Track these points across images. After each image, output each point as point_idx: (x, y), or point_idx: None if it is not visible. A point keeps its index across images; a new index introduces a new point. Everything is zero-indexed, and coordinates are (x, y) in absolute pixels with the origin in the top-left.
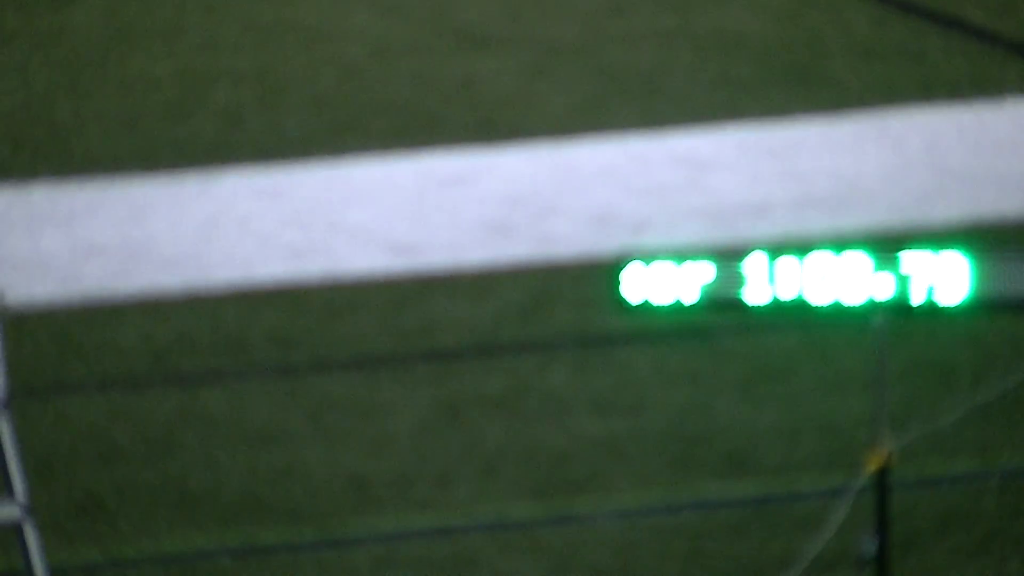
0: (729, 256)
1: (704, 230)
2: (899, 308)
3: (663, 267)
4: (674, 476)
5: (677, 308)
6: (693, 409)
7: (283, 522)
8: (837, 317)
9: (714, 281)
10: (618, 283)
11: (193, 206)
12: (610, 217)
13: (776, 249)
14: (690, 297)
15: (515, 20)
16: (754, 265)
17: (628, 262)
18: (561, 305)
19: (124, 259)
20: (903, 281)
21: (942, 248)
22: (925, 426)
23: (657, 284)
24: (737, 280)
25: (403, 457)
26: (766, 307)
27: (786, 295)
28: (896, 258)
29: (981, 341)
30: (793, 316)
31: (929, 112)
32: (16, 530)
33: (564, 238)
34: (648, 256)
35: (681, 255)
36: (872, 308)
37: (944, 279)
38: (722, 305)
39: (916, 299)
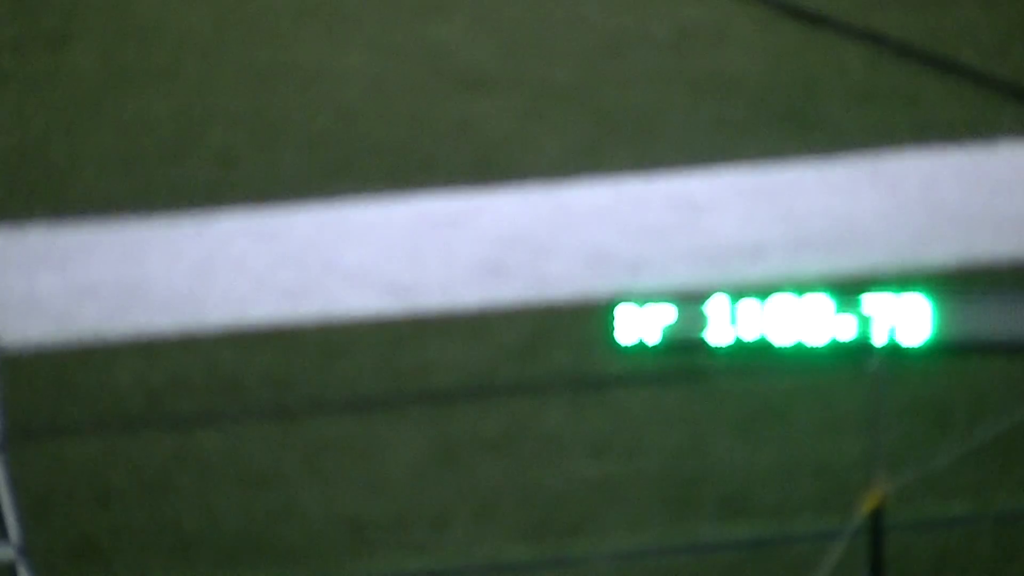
0: (691, 299)
1: (699, 271)
2: (861, 349)
3: (657, 308)
4: (670, 518)
5: (669, 348)
6: (689, 451)
7: (279, 564)
8: (828, 359)
9: (675, 323)
10: (613, 324)
11: (188, 247)
12: (605, 258)
13: (737, 292)
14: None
15: (511, 62)
16: (716, 307)
17: (623, 303)
18: (556, 346)
19: (119, 300)
20: (865, 322)
21: (905, 290)
22: (920, 468)
23: (651, 325)
24: (699, 322)
25: (399, 499)
26: (728, 348)
27: (748, 336)
28: (858, 300)
29: (976, 384)
30: (785, 358)
31: (924, 154)
32: (10, 571)
33: (559, 279)
34: (643, 298)
35: (680, 296)
36: (867, 351)
37: (906, 321)
38: (684, 346)
39: (878, 340)
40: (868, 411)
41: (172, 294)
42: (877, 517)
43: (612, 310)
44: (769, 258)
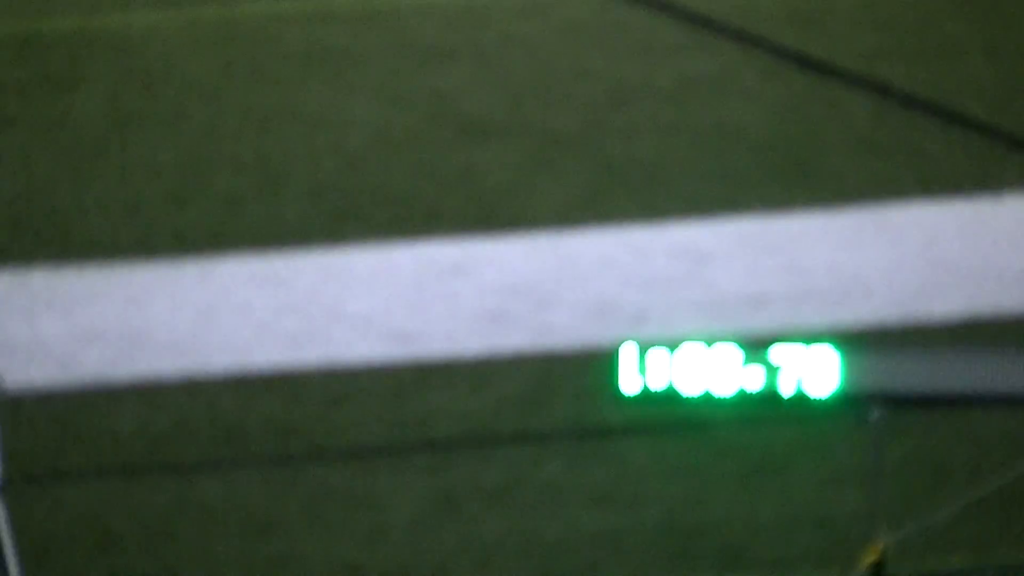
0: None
1: (703, 321)
2: (768, 398)
3: (659, 357)
4: (670, 570)
5: (673, 398)
6: (690, 502)
7: None
8: (815, 410)
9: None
10: (616, 375)
11: (192, 292)
12: (609, 308)
13: (647, 343)
14: (688, 388)
15: (514, 111)
16: (626, 357)
17: (625, 353)
18: (559, 396)
19: (122, 344)
20: (773, 373)
21: (812, 343)
22: (921, 522)
23: (653, 375)
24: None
25: (399, 548)
26: (637, 397)
27: (657, 386)
28: (765, 351)
29: (976, 437)
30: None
31: (928, 206)
32: None
33: (562, 329)
34: (645, 346)
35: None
36: (866, 403)
37: (813, 372)
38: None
39: (785, 391)
40: (868, 464)
41: (175, 339)
42: (878, 570)
43: (615, 359)
44: (772, 309)
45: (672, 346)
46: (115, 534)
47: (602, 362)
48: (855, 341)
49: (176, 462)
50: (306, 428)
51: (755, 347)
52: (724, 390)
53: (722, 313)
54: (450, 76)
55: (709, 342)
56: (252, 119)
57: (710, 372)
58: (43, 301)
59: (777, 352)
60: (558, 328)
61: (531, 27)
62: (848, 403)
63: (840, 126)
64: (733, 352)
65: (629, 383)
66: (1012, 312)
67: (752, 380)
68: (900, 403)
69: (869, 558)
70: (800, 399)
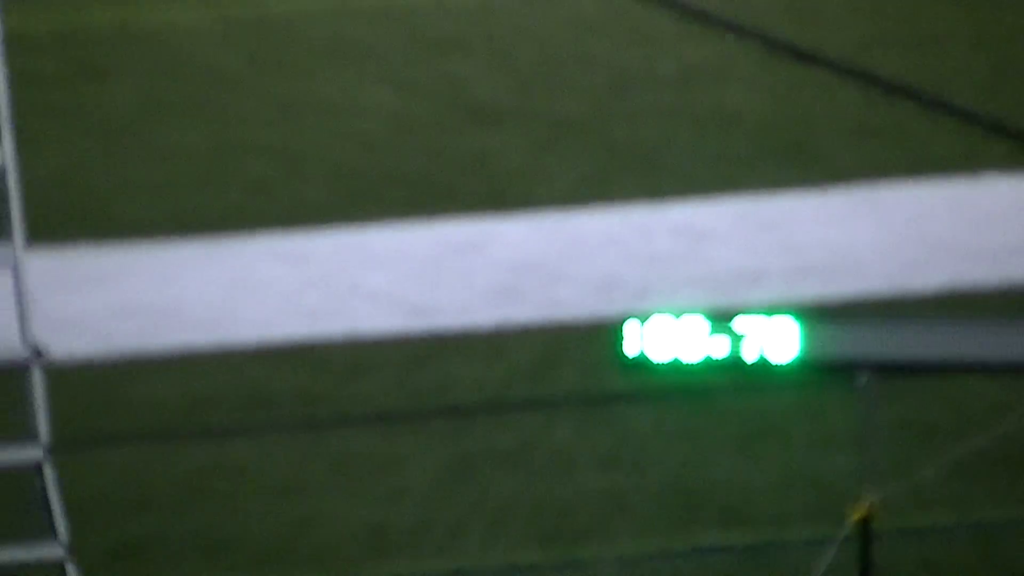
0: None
1: (702, 296)
2: (733, 365)
3: (662, 326)
4: (674, 527)
5: (675, 367)
6: (691, 465)
7: (304, 568)
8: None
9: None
10: (621, 345)
11: (221, 270)
12: (613, 284)
13: (648, 315)
14: (689, 357)
15: (524, 97)
16: (630, 329)
17: (629, 324)
18: (567, 366)
19: (157, 318)
20: (737, 341)
21: (774, 314)
22: (906, 480)
23: (656, 344)
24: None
25: (418, 507)
26: (640, 366)
27: (658, 356)
28: (729, 323)
29: (958, 402)
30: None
31: (915, 187)
32: (59, 569)
33: (570, 302)
34: (645, 316)
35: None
36: (854, 371)
37: (775, 341)
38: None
39: (749, 357)
40: (858, 428)
41: (205, 313)
42: (865, 526)
43: (620, 332)
44: (768, 284)
45: (674, 317)
46: (152, 494)
47: (607, 334)
48: (839, 313)
49: (207, 427)
50: (329, 395)
51: (721, 319)
52: (694, 356)
53: (720, 288)
54: (462, 65)
55: (709, 315)
56: (276, 107)
57: (704, 342)
58: (82, 278)
59: (741, 322)
60: (565, 302)
61: (539, 19)
62: (829, 371)
63: (831, 112)
64: (701, 323)
65: (632, 353)
66: (992, 285)
67: (720, 348)
68: (887, 370)
69: (857, 515)
70: (764, 365)
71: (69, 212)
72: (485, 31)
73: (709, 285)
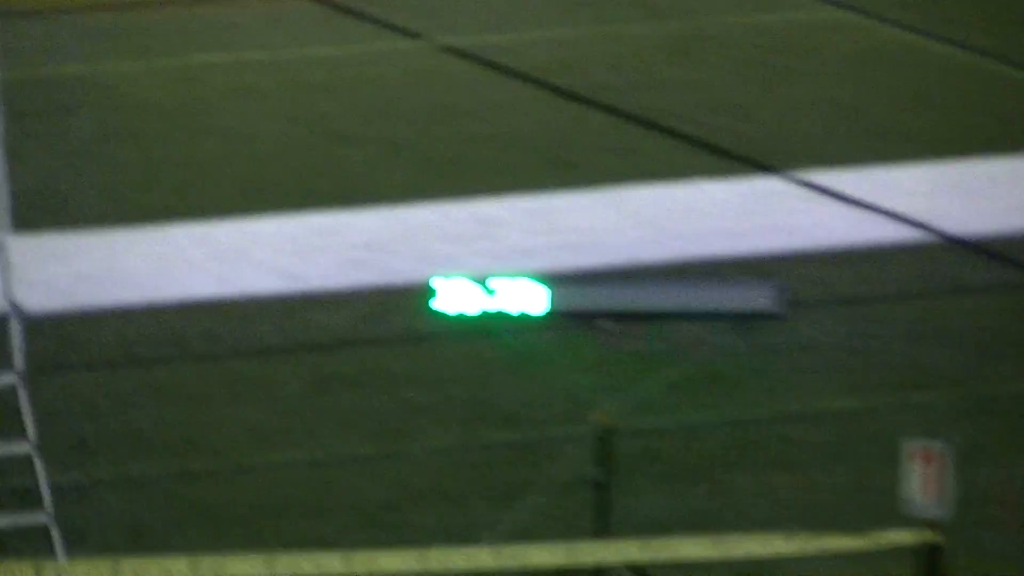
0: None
1: (493, 266)
2: (499, 316)
3: (460, 287)
4: (466, 427)
5: (464, 317)
6: (480, 384)
7: (207, 457)
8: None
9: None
10: (432, 300)
11: (152, 249)
12: (431, 257)
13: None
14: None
15: (370, 126)
16: (440, 288)
17: (437, 285)
18: (395, 315)
19: (104, 284)
20: (502, 299)
21: (530, 279)
22: (634, 395)
23: (454, 300)
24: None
25: (288, 415)
26: (447, 315)
27: (460, 309)
28: (492, 285)
29: (671, 338)
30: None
31: (647, 188)
32: (28, 462)
33: (399, 271)
34: (448, 280)
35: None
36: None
37: (528, 298)
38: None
39: (513, 311)
40: (599, 361)
41: (140, 279)
42: (604, 427)
43: (432, 290)
44: (539, 257)
45: (470, 281)
46: (99, 407)
47: (424, 292)
48: (586, 278)
49: (139, 359)
50: (227, 336)
51: (492, 282)
52: (474, 310)
53: (504, 260)
54: (327, 103)
55: (484, 280)
56: (193, 133)
57: (481, 299)
58: (50, 255)
59: (504, 284)
60: (396, 270)
61: (383, 70)
62: (574, 319)
63: (585, 134)
64: (481, 286)
65: (439, 307)
66: (698, 258)
67: (495, 303)
68: (620, 317)
69: (599, 419)
70: (524, 316)
71: (43, 209)
72: (345, 78)
73: (496, 258)
